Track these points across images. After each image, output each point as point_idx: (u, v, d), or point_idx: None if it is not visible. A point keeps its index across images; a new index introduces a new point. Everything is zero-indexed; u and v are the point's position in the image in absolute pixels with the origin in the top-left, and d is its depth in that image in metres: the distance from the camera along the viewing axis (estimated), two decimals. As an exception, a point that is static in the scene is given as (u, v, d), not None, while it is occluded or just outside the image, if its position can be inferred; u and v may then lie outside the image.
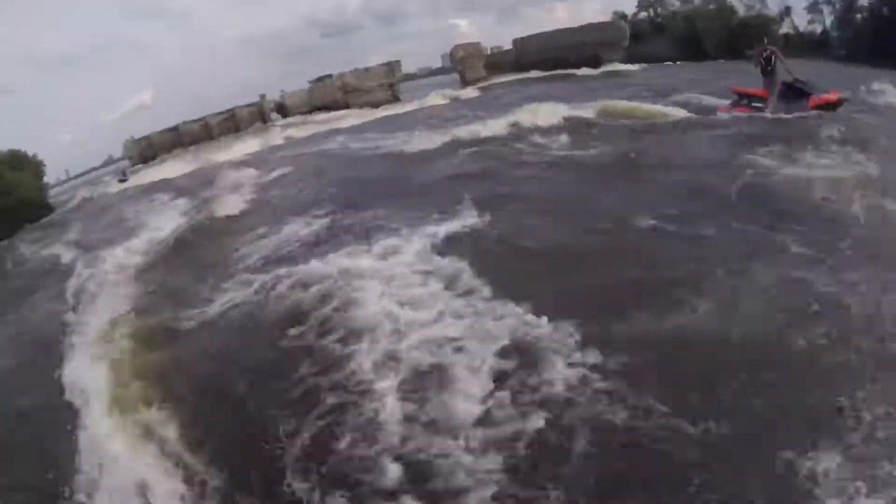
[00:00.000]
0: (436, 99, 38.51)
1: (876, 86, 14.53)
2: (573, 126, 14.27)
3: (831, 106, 12.49)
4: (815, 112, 12.25)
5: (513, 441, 3.60)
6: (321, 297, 5.94)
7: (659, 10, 57.13)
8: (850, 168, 7.81)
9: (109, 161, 65.58)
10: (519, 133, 14.45)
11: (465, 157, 12.87)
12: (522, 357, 4.33)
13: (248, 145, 32.49)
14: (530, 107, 17.18)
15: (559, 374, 4.06)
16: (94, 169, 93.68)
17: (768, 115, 12.92)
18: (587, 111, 15.82)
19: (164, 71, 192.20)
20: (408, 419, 3.99)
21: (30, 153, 36.70)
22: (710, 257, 5.59)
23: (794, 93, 13.00)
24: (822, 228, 5.89)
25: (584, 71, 41.45)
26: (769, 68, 13.48)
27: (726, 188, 7.58)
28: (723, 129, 12.18)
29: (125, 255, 11.08)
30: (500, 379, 4.16)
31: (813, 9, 52.11)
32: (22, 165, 34.89)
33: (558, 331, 4.54)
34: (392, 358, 4.66)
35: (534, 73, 45.45)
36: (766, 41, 15.74)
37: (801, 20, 53.37)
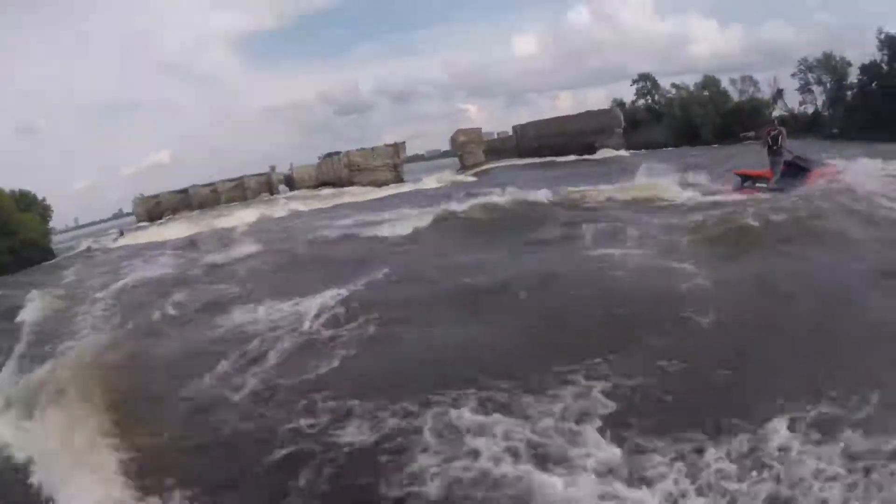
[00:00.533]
0: (430, 182, 39.11)
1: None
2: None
3: (834, 177, 12.75)
4: (819, 184, 12.44)
5: None
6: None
7: (656, 97, 58.82)
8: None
9: (119, 214, 66.32)
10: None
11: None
12: None
13: (249, 214, 32.92)
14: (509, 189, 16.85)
15: None
16: (103, 221, 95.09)
17: (768, 190, 13.13)
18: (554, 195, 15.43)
19: (184, 132, 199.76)
20: None
21: (42, 195, 37.65)
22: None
23: (796, 169, 13.30)
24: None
25: (580, 157, 42.13)
26: (775, 147, 13.65)
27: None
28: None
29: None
30: None
31: (804, 90, 53.65)
32: (30, 207, 35.16)
33: None
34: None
35: (532, 160, 46.19)
36: (775, 122, 16.23)
37: (793, 101, 54.70)
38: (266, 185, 56.71)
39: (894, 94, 44.44)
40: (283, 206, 36.13)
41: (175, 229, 32.16)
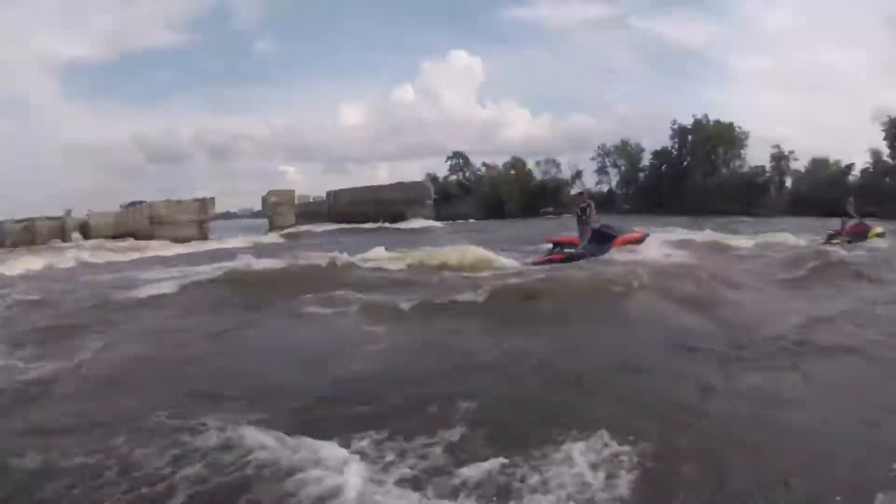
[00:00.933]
0: (235, 242, 36.52)
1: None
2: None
3: (636, 242, 14.65)
4: (623, 248, 14.22)
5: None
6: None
7: (467, 173, 62.40)
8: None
9: None
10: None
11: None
12: None
13: (31, 262, 27.85)
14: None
15: None
16: None
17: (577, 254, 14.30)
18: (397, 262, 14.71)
19: None
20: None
21: None
22: None
23: (602, 237, 14.56)
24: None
25: (398, 225, 42.46)
26: (584, 217, 14.74)
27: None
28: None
29: None
30: None
31: (601, 171, 60.71)
32: None
33: None
34: None
35: (342, 225, 45.48)
36: (584, 195, 17.89)
37: (590, 181, 60.98)
38: (59, 231, 49.29)
39: (679, 175, 52.47)
40: (68, 256, 31.31)
41: None
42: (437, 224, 44.17)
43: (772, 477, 3.13)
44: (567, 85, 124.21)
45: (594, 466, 3.18)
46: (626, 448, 3.34)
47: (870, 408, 4.10)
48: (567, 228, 29.02)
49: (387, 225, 42.66)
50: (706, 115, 55.00)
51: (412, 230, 38.88)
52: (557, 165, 62.63)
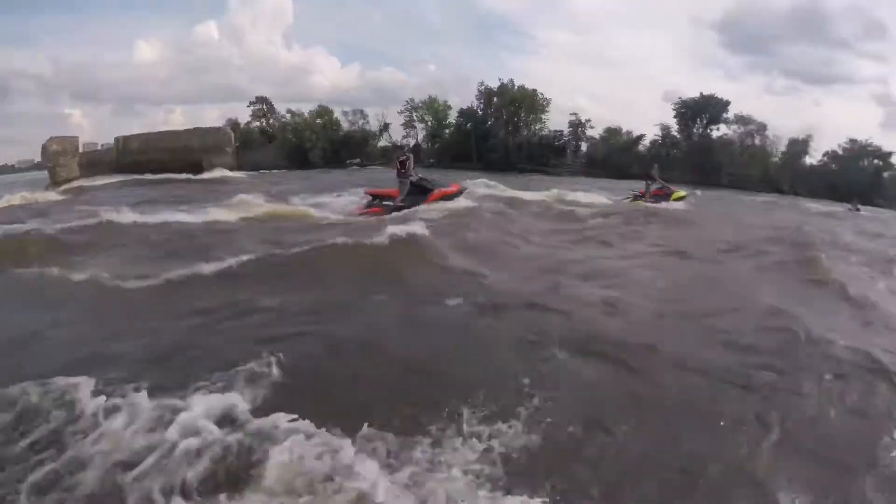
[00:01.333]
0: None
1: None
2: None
3: (451, 196, 16.27)
4: (436, 201, 15.83)
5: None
6: None
7: (271, 120, 60.95)
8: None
9: None
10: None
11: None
12: None
13: None
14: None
15: None
16: None
17: (393, 208, 15.46)
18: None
19: None
20: None
21: None
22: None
23: (420, 189, 15.97)
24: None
25: (190, 176, 40.58)
26: (403, 171, 15.95)
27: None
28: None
29: None
30: None
31: (408, 125, 62.68)
32: None
33: None
34: None
35: (133, 176, 42.41)
36: (405, 149, 18.74)
37: (398, 134, 63.30)
38: None
39: (482, 134, 57.66)
40: None
41: None
42: (239, 174, 43.11)
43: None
44: (379, 38, 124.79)
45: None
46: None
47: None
48: (373, 181, 30.88)
49: (180, 176, 40.70)
50: (512, 80, 59.84)
51: (209, 181, 37.75)
52: (365, 117, 63.36)
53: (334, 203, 18.45)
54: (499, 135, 59.32)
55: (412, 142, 62.75)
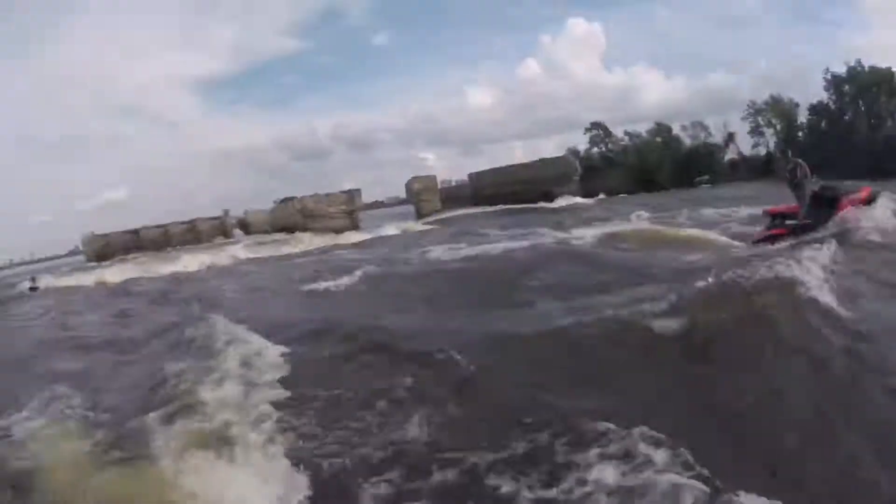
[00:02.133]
0: (389, 230, 37.72)
1: None
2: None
3: (866, 202, 12.01)
4: (850, 213, 11.64)
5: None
6: None
7: (609, 144, 59.41)
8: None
9: (75, 251, 64.03)
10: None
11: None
12: None
13: (196, 260, 31.29)
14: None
15: None
16: (58, 256, 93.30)
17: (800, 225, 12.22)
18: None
19: (140, 171, 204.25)
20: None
21: None
22: None
23: (824, 200, 12.30)
24: None
25: (541, 204, 41.43)
26: (795, 181, 12.96)
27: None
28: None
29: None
30: None
31: (755, 132, 54.57)
32: None
33: None
34: None
35: (488, 208, 45.12)
36: (790, 154, 15.63)
37: (745, 144, 55.59)
38: (219, 229, 55.52)
39: (842, 134, 45.59)
40: (228, 254, 34.14)
41: (113, 274, 30.67)
42: (587, 201, 42.37)
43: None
44: (695, 41, 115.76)
45: None
46: None
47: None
48: (722, 199, 26.63)
49: (534, 205, 41.54)
50: (859, 61, 47.30)
51: (561, 208, 37.68)
52: (706, 129, 57.70)
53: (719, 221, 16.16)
54: (861, 130, 46.42)
55: (763, 151, 54.77)
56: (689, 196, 35.17)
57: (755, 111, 54.24)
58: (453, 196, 55.95)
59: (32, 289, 31.59)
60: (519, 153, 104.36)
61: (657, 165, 53.79)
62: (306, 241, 37.97)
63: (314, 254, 28.15)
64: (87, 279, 31.23)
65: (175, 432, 4.54)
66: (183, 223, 55.86)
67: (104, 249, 52.82)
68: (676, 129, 57.69)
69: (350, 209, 50.92)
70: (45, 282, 32.68)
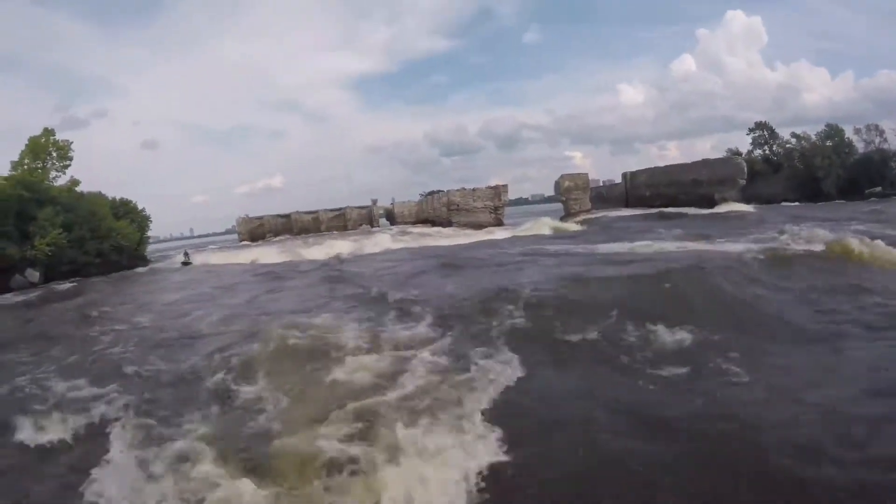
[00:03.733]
0: (534, 229, 38.37)
1: None
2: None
3: None
4: None
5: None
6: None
7: (774, 147, 56.77)
8: None
9: (231, 230, 73.24)
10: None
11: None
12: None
13: (341, 246, 35.61)
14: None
15: None
16: (216, 234, 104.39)
17: None
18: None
19: (293, 160, 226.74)
20: None
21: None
22: None
23: None
24: None
25: (695, 210, 41.03)
26: None
27: None
28: None
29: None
30: None
31: None
32: (128, 215, 37.91)
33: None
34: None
35: (643, 210, 45.04)
36: None
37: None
38: (367, 218, 60.12)
39: None
40: (374, 242, 37.24)
41: (265, 256, 35.61)
42: (750, 208, 41.06)
43: None
44: (864, 36, 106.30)
45: None
46: None
47: None
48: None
49: (695, 210, 41.03)
50: None
51: (727, 216, 36.59)
52: (881, 133, 54.02)
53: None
54: None
55: None
56: (868, 209, 32.89)
57: None
58: (603, 196, 56.31)
59: (185, 263, 35.72)
60: (673, 153, 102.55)
61: (825, 173, 50.96)
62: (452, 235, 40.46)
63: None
64: (240, 257, 36.52)
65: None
66: (333, 210, 60.68)
67: (257, 230, 59.04)
68: (849, 133, 54.34)
69: (496, 205, 52.55)
70: (200, 258, 38.08)
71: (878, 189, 49.20)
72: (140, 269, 34.68)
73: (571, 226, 39.81)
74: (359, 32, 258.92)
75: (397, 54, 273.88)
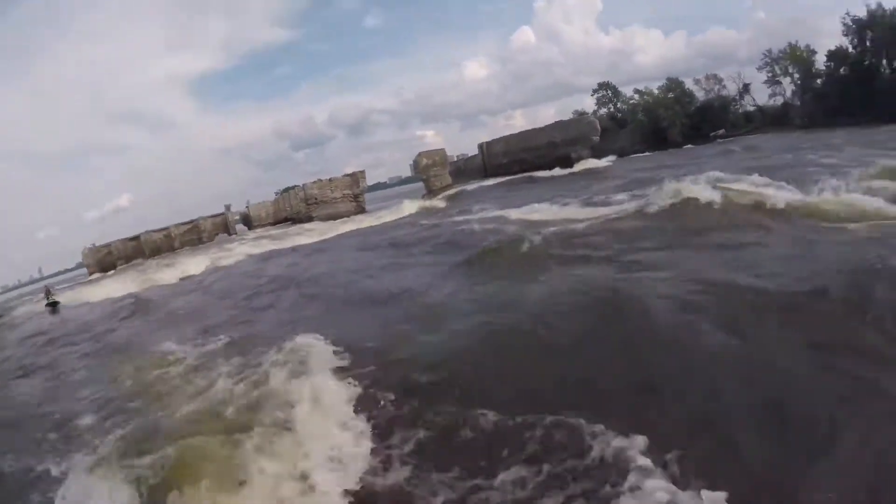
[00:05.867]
0: (398, 212, 35.74)
1: None
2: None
3: None
4: None
5: None
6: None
7: (618, 104, 58.52)
8: None
9: (83, 263, 63.76)
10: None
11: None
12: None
13: (195, 263, 29.57)
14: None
15: None
16: (68, 270, 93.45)
17: None
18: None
19: (141, 176, 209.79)
20: None
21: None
22: None
23: None
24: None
25: (558, 171, 40.63)
26: None
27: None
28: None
29: None
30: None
31: (772, 82, 53.53)
32: None
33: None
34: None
35: (503, 178, 44.14)
36: None
37: (760, 96, 54.77)
38: (222, 226, 55.40)
39: (864, 76, 44.51)
40: (231, 251, 32.66)
41: (106, 288, 28.75)
42: (604, 163, 41.69)
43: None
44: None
45: None
46: None
47: None
48: (751, 153, 25.91)
49: (554, 172, 40.60)
50: (880, 4, 46.02)
51: (585, 173, 36.49)
52: (720, 81, 57.17)
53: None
54: (883, 75, 44.86)
55: (779, 100, 53.79)
56: (715, 151, 34.00)
57: (771, 60, 53.25)
58: (462, 169, 55.30)
59: (51, 304, 28.21)
60: (519, 121, 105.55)
61: (669, 122, 53.18)
62: (312, 230, 36.77)
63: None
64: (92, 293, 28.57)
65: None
66: (185, 224, 55.48)
67: (106, 259, 53.45)
68: (689, 84, 57.23)
69: (355, 192, 49.98)
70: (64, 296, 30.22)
71: (722, 131, 52.34)
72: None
73: (437, 202, 37.84)
74: (195, 29, 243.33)
75: (238, 48, 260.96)
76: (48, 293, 30.44)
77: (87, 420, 7.42)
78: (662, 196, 12.08)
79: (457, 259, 11.77)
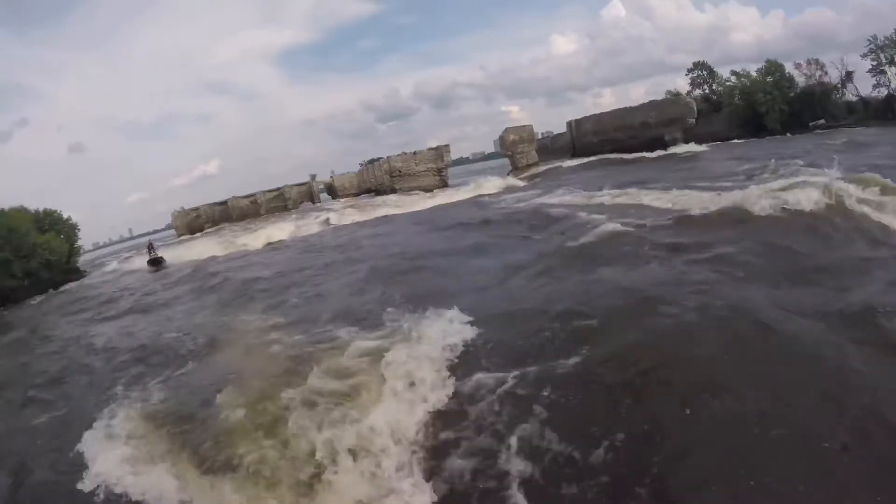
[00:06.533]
0: (485, 188, 36.33)
1: None
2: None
3: None
4: None
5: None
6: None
7: (714, 86, 56.53)
8: None
9: (171, 225, 68.08)
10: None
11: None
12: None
13: (281, 230, 31.91)
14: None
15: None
16: (156, 231, 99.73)
17: None
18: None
19: (230, 144, 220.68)
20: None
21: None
22: None
23: None
24: None
25: (653, 153, 40.22)
26: None
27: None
28: None
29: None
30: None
31: (877, 71, 50.37)
32: (53, 227, 34.92)
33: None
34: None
35: (592, 158, 43.85)
36: None
37: (865, 84, 51.92)
38: (307, 194, 57.70)
39: None
40: (317, 220, 34.30)
41: (195, 249, 31.37)
42: (701, 148, 40.74)
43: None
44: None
45: None
46: None
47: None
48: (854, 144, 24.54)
49: (651, 154, 39.97)
50: None
51: (684, 157, 35.84)
52: (822, 67, 54.33)
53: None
54: None
55: (883, 91, 50.83)
56: (823, 141, 32.42)
57: (877, 48, 50.08)
58: (549, 147, 55.10)
59: (153, 262, 29.45)
60: (608, 99, 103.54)
61: (768, 108, 51.04)
62: (399, 203, 37.46)
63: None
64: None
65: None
66: (271, 191, 57.69)
67: (195, 222, 56.79)
68: (789, 68, 54.53)
69: (439, 167, 50.74)
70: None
71: (822, 121, 49.86)
72: (71, 285, 31.02)
73: (520, 182, 38.03)
74: (283, 3, 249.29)
75: (322, 22, 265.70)
76: (151, 248, 32.08)
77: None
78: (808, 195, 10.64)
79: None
